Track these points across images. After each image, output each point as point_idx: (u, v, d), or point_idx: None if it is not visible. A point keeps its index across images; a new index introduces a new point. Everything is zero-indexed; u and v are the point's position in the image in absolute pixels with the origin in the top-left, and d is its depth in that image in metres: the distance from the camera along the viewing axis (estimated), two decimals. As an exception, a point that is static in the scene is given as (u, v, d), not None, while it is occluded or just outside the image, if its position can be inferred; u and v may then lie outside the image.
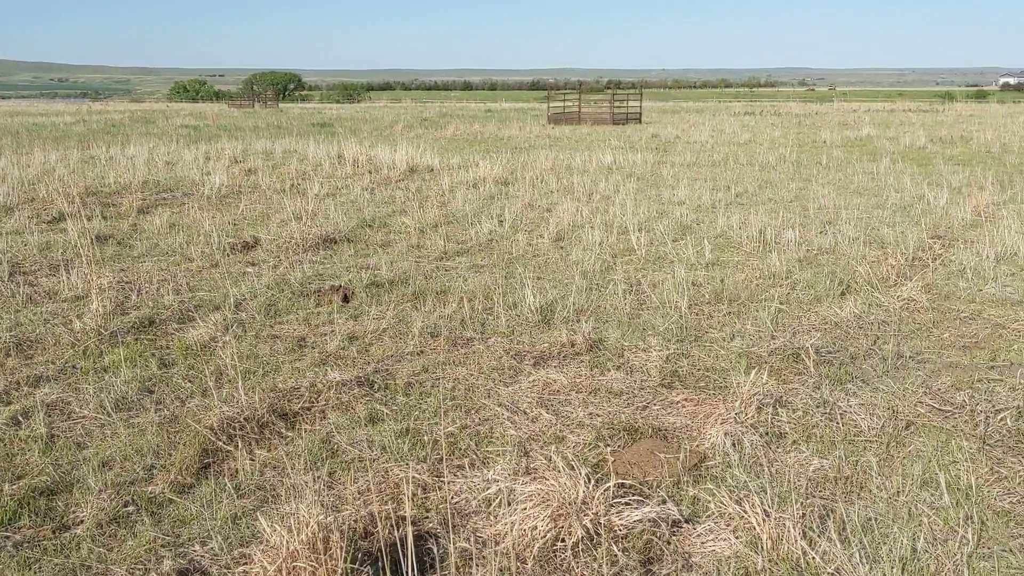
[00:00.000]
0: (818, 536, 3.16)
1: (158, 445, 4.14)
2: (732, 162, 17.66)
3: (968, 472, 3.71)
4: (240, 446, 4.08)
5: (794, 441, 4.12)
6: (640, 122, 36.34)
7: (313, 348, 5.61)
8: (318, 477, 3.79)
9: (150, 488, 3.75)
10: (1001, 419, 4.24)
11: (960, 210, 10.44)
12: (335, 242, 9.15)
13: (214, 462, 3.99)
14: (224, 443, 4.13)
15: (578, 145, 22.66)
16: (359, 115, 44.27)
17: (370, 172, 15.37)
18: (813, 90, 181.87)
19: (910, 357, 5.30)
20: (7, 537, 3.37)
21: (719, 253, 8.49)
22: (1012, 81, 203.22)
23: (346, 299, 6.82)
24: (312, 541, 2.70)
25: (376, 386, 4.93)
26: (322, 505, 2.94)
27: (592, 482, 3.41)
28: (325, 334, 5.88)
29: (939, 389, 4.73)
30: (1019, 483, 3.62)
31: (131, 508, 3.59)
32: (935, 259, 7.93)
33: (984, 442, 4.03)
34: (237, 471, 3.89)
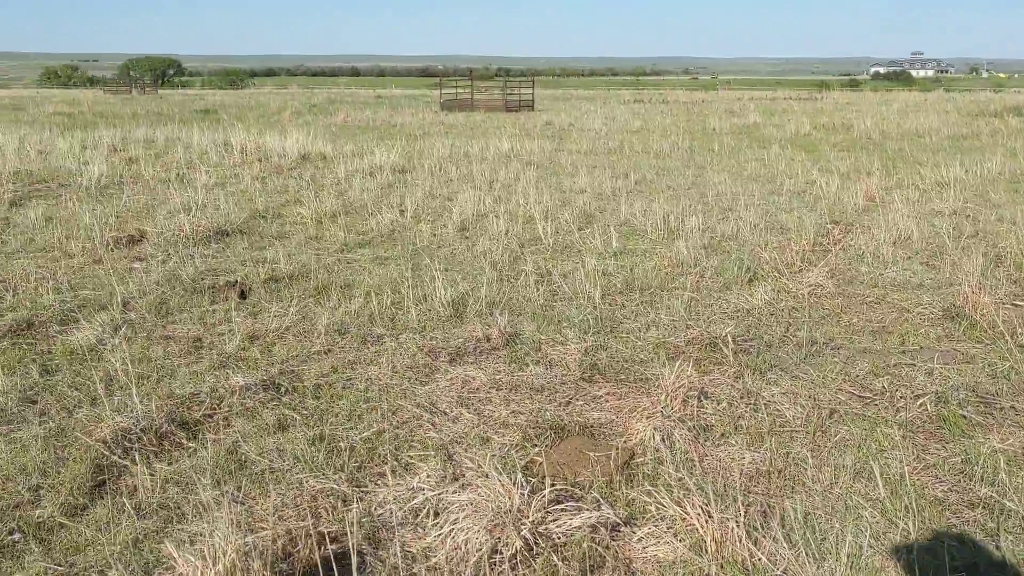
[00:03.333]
0: (762, 535, 3.07)
1: (44, 462, 3.75)
2: (627, 149, 17.78)
3: (899, 461, 3.70)
4: (138, 460, 3.73)
5: (722, 434, 4.05)
6: (532, 109, 36.39)
7: (211, 349, 5.25)
8: (227, 492, 3.50)
9: (38, 512, 3.38)
10: (921, 405, 4.27)
11: (851, 195, 10.73)
12: (227, 235, 8.69)
13: (109, 479, 3.63)
14: (119, 457, 3.77)
15: (473, 132, 22.44)
16: (244, 102, 42.87)
17: (260, 160, 14.78)
18: (696, 79, 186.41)
19: (824, 343, 5.33)
20: None
21: (625, 241, 8.45)
22: (882, 70, 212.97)
23: (243, 295, 6.45)
24: (231, 571, 2.43)
25: (283, 389, 4.63)
26: (236, 525, 2.67)
27: (527, 488, 3.23)
28: (223, 334, 5.52)
29: (857, 376, 4.75)
30: (947, 471, 3.63)
31: (17, 536, 3.22)
32: (835, 244, 8.08)
33: (907, 429, 4.05)
34: (136, 488, 3.55)
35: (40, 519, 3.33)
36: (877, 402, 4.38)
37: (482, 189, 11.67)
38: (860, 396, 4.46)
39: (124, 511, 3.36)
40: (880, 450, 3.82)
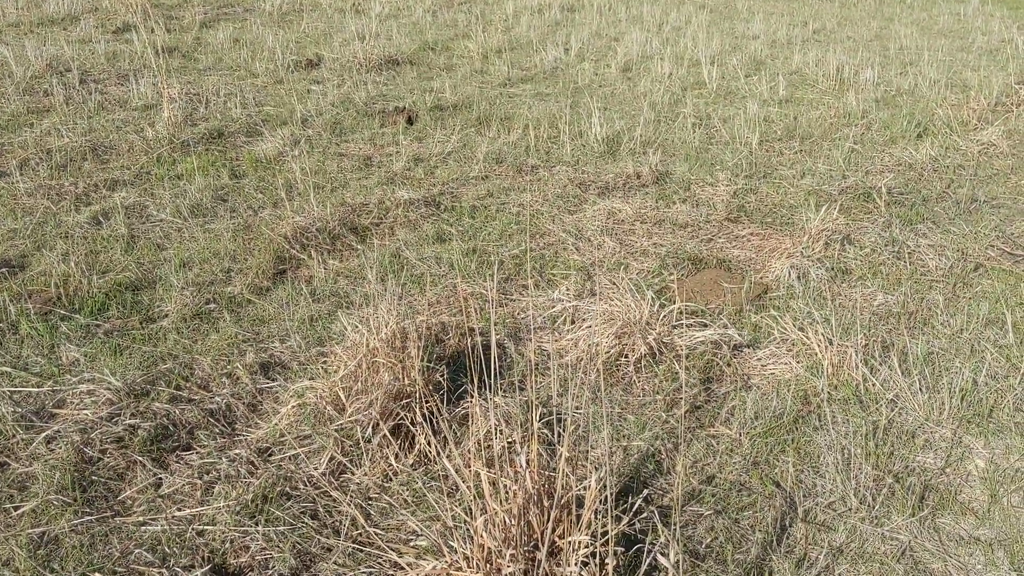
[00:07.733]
0: (879, 365, 3.21)
1: (234, 250, 4.29)
2: (811, -3, 16.76)
3: (1036, 315, 3.70)
4: (313, 255, 4.21)
5: (860, 277, 4.12)
6: (714, -49, 34.37)
7: (379, 167, 5.66)
8: (390, 288, 3.92)
9: (229, 289, 3.91)
10: (1075, 266, 4.18)
11: (1052, 56, 9.90)
12: (398, 64, 9.01)
13: (289, 268, 4.13)
14: (297, 251, 4.26)
15: (648, -27, 21.61)
16: (419, -65, 42.55)
17: (432, -6, 14.92)
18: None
19: (984, 202, 5.19)
20: (98, 325, 3.57)
21: (793, 90, 8.22)
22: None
23: (410, 121, 6.80)
24: (391, 340, 2.82)
25: (443, 207, 4.99)
26: (397, 312, 3.06)
27: (656, 305, 3.47)
28: (391, 154, 5.90)
29: (1013, 234, 4.65)
30: (1087, 328, 3.61)
31: (212, 306, 3.76)
32: (1019, 105, 7.59)
33: (1055, 288, 4.00)
34: (311, 278, 4.03)
35: (231, 295, 3.86)
36: (1029, 261, 4.31)
37: (650, 31, 11.45)
38: (1011, 253, 4.39)
39: (301, 295, 3.85)
40: (1020, 303, 3.81)
